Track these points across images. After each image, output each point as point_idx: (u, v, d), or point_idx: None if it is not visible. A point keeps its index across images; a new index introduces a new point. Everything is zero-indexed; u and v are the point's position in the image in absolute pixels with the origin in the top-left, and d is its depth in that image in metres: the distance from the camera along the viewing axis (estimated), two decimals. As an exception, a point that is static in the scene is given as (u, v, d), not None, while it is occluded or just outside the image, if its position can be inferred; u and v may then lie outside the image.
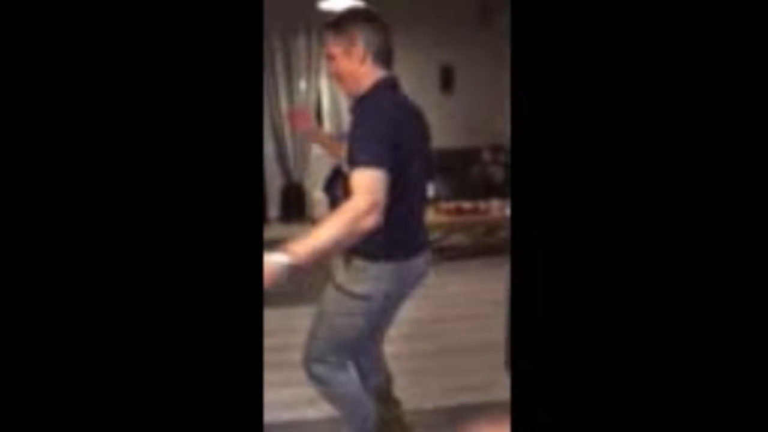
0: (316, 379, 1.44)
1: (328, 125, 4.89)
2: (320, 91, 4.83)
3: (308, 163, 4.95)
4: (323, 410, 1.96)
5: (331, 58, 1.29)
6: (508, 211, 3.76)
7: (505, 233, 3.85)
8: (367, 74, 1.26)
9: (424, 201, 1.40)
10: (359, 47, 1.24)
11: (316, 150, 4.72)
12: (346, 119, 4.88)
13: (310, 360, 1.43)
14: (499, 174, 4.84)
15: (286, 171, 4.99)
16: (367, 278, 1.29)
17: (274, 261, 1.03)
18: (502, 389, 2.07)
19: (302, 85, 4.77)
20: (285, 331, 2.63)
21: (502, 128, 5.13)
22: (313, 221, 4.88)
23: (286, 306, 2.98)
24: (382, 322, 1.47)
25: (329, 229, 1.07)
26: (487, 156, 4.95)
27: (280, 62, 4.70)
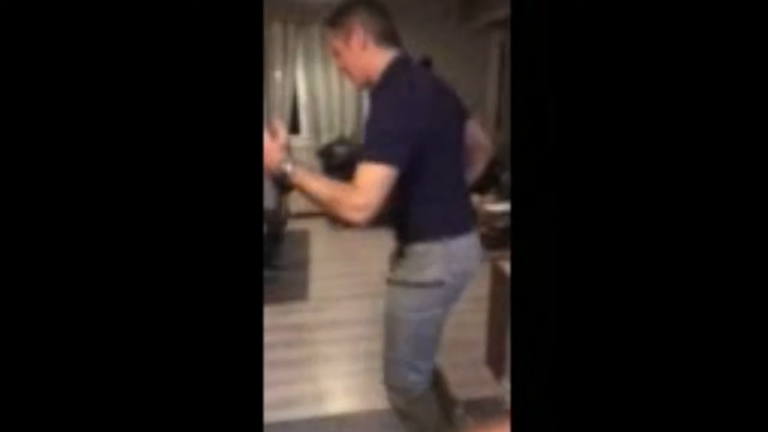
0: (408, 395, 1.34)
1: (304, 117, 4.81)
2: (296, 81, 4.74)
3: (287, 155, 4.87)
4: (310, 410, 1.92)
5: (335, 54, 1.27)
6: (487, 206, 3.76)
7: (484, 228, 3.85)
8: (373, 60, 1.23)
9: (463, 179, 1.34)
10: (357, 34, 1.21)
11: (296, 142, 4.66)
12: (323, 110, 4.83)
13: (394, 371, 1.33)
14: (477, 168, 4.84)
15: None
16: (431, 262, 1.23)
17: (280, 161, 1.15)
18: (482, 386, 2.06)
19: (278, 75, 4.67)
20: (275, 329, 2.57)
21: (479, 121, 5.13)
22: (292, 214, 4.80)
23: (273, 303, 2.91)
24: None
25: (323, 188, 1.12)
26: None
27: (255, 52, 4.59)
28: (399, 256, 1.30)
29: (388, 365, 1.35)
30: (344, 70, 1.28)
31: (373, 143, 1.10)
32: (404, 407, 1.38)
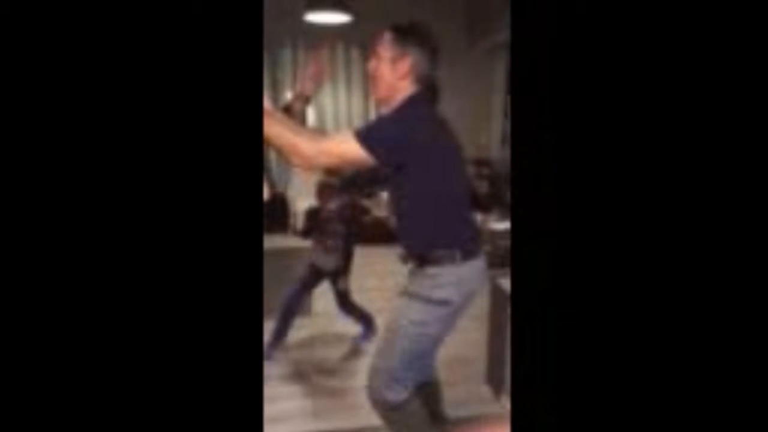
0: (385, 405, 1.36)
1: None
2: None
3: (291, 173, 4.94)
4: (326, 423, 1.94)
5: (378, 57, 1.29)
6: (491, 225, 3.78)
7: (488, 247, 3.87)
8: (401, 90, 1.28)
9: (468, 209, 1.40)
10: (405, 64, 1.26)
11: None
12: (332, 132, 4.90)
13: (380, 383, 1.35)
14: (483, 188, 4.87)
15: (269, 182, 4.97)
16: (444, 284, 1.28)
17: None
18: (482, 404, 2.06)
19: (288, 98, 4.77)
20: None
21: (487, 142, 5.18)
22: (296, 232, 4.84)
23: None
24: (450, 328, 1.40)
25: (287, 132, 1.17)
26: (471, 170, 4.99)
27: (266, 75, 4.70)
28: (414, 273, 1.35)
29: (374, 374, 1.37)
30: (374, 76, 1.31)
31: (368, 127, 1.20)
32: (383, 416, 1.40)
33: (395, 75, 1.27)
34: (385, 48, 1.28)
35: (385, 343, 1.36)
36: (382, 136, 1.19)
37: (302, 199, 4.78)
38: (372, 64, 1.31)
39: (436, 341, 1.36)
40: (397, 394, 1.35)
